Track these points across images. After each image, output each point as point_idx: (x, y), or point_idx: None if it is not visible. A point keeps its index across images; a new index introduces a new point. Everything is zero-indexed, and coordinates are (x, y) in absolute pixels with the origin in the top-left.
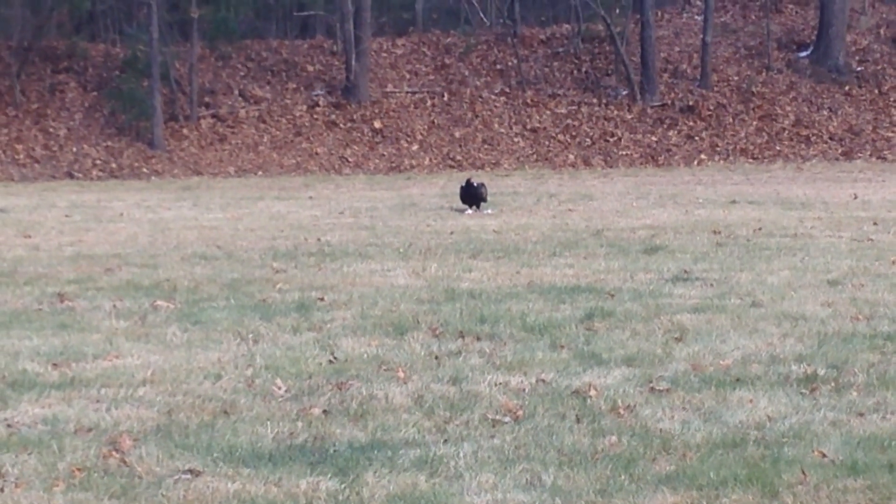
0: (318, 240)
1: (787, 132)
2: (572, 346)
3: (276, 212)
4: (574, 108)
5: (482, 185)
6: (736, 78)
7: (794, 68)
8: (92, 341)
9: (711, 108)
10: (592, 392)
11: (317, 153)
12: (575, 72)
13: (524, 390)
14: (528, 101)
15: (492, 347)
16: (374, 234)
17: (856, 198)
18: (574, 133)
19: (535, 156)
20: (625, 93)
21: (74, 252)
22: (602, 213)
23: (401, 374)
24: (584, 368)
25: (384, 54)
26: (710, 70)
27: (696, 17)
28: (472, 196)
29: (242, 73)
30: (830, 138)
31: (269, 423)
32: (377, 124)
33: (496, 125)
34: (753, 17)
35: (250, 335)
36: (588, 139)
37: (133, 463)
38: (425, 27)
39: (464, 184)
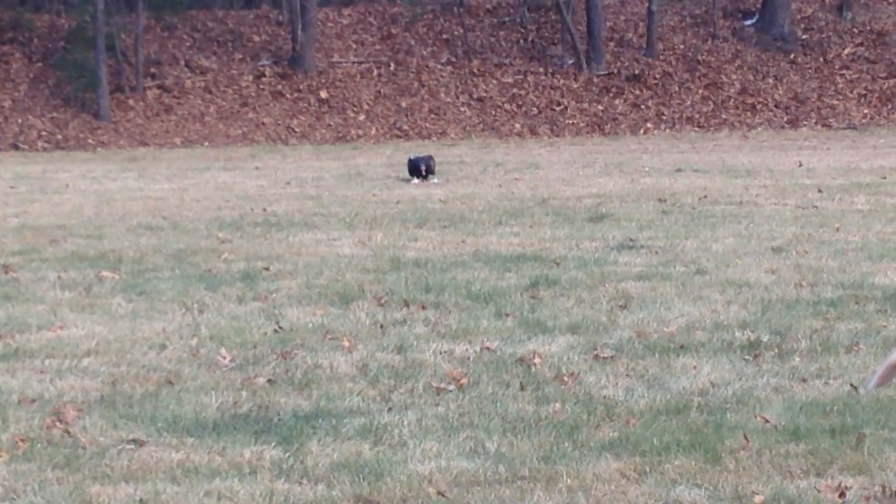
0: (264, 210)
1: (732, 100)
2: (517, 314)
3: (222, 182)
4: (520, 77)
5: (430, 157)
6: (682, 46)
7: (739, 37)
8: (36, 312)
9: (657, 76)
10: (537, 360)
11: (263, 123)
12: (521, 41)
13: (469, 358)
14: (475, 70)
15: (437, 316)
16: (320, 204)
17: (801, 165)
18: (520, 102)
19: (481, 125)
20: (571, 62)
21: (19, 223)
22: (548, 182)
23: (345, 344)
24: (528, 336)
25: (330, 24)
26: (656, 39)
27: None
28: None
29: (188, 44)
30: (776, 106)
31: (213, 392)
32: (323, 94)
33: (442, 95)
34: None
35: (195, 305)
36: (534, 108)
37: (77, 433)
38: None
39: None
